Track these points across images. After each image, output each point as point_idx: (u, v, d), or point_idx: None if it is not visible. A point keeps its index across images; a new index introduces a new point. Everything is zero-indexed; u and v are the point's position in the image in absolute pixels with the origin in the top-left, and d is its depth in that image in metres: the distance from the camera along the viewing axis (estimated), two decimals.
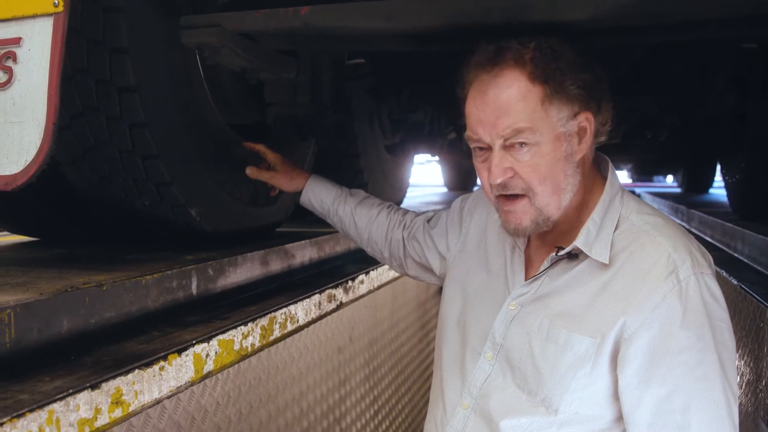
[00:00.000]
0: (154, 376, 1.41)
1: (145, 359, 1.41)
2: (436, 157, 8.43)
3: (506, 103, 1.40)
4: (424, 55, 2.66)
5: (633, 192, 1.63)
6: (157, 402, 1.43)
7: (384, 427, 3.74)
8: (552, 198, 1.44)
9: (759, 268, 2.84)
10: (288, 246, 2.46)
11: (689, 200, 6.79)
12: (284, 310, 2.01)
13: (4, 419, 1.05)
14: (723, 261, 3.13)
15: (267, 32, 1.97)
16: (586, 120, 1.45)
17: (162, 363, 1.43)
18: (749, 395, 2.15)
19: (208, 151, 2.23)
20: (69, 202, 2.34)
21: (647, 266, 1.38)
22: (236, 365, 2.00)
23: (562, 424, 1.42)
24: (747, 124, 3.86)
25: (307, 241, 2.63)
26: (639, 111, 3.84)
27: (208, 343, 1.61)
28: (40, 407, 1.12)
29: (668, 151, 6.51)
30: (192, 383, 1.55)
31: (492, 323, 1.57)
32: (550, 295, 1.50)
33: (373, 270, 2.82)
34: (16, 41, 1.42)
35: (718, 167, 6.47)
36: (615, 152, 6.39)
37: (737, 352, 2.23)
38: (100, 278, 1.61)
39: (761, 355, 2.02)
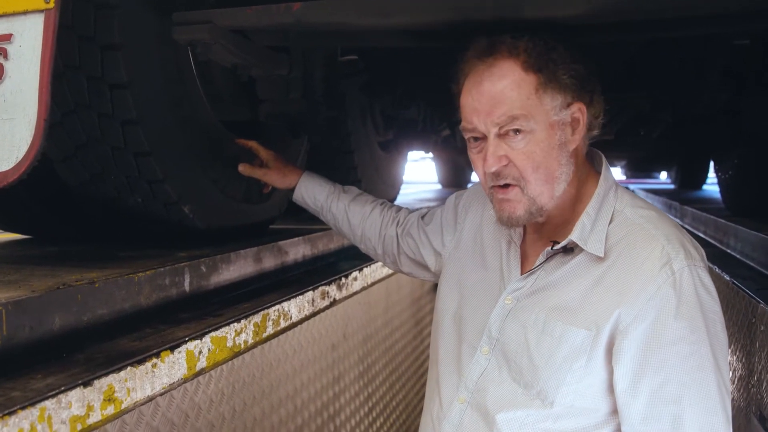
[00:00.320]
0: (147, 373, 1.41)
1: (137, 356, 1.40)
2: (430, 154, 8.43)
3: (501, 92, 1.42)
4: (418, 52, 2.66)
5: (627, 188, 1.64)
6: (150, 399, 1.43)
7: (378, 423, 3.74)
8: (545, 187, 1.46)
9: (751, 263, 2.85)
10: (281, 243, 2.45)
11: (683, 196, 6.81)
12: (277, 307, 2.01)
13: None
14: (716, 257, 3.14)
15: (259, 28, 1.97)
16: (579, 111, 1.47)
17: (154, 360, 1.43)
18: (741, 390, 2.15)
19: (201, 148, 2.22)
20: (61, 200, 2.33)
21: (641, 259, 1.40)
22: (230, 362, 2.00)
23: (558, 417, 1.43)
24: (740, 121, 3.87)
25: (301, 238, 2.62)
26: (633, 107, 3.85)
27: (201, 340, 1.61)
28: (32, 404, 1.11)
29: (662, 148, 6.53)
30: (185, 380, 1.55)
31: (488, 318, 1.57)
32: (545, 289, 1.51)
33: (366, 267, 2.83)
34: (7, 38, 1.41)
35: (712, 164, 6.49)
36: (609, 149, 6.40)
37: (729, 347, 2.24)
38: (92, 275, 1.61)
39: (753, 351, 2.02)
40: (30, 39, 1.39)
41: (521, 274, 1.58)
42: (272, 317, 1.97)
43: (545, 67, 1.42)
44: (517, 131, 1.42)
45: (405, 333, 4.32)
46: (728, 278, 2.41)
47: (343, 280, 2.56)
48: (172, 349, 1.50)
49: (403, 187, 5.20)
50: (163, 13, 1.93)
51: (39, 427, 1.12)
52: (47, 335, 1.39)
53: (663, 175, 13.97)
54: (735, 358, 2.24)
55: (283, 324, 2.05)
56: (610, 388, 1.41)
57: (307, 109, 2.60)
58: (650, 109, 3.95)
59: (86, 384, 1.24)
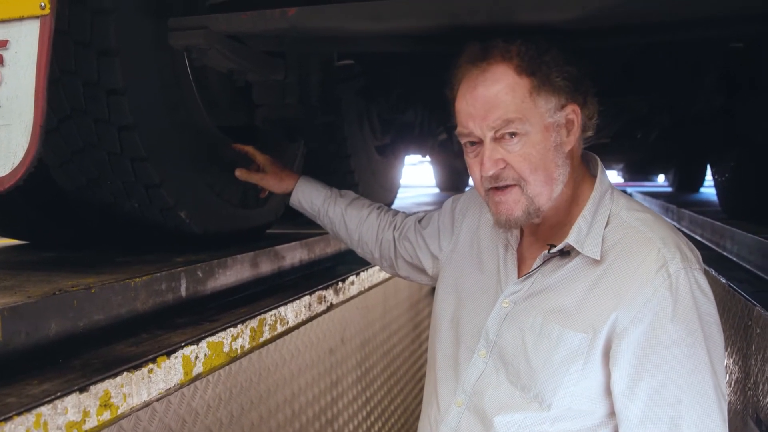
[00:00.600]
0: (143, 378, 1.41)
1: (133, 362, 1.40)
2: (428, 158, 8.43)
3: (495, 97, 1.43)
4: (414, 56, 2.67)
5: (624, 191, 1.64)
6: (147, 404, 1.43)
7: (377, 427, 3.74)
8: (544, 188, 1.46)
9: (748, 266, 2.86)
10: (278, 247, 2.45)
11: (680, 199, 6.82)
12: (274, 311, 2.01)
13: None
14: (712, 259, 3.14)
15: (254, 34, 1.97)
16: (573, 112, 1.48)
17: (151, 365, 1.43)
18: (738, 393, 2.15)
19: (198, 153, 2.23)
20: (58, 205, 2.33)
21: (638, 262, 1.40)
22: (227, 367, 2.00)
23: (555, 419, 1.44)
24: (736, 124, 3.87)
25: (297, 242, 2.62)
26: (629, 110, 3.85)
27: (198, 345, 1.61)
28: (28, 410, 1.11)
29: (659, 151, 6.54)
30: (181, 385, 1.55)
31: (485, 321, 1.58)
32: (543, 292, 1.52)
33: (363, 271, 2.82)
34: (3, 44, 1.41)
35: (709, 167, 6.49)
36: (606, 152, 6.41)
37: (726, 350, 2.25)
38: (88, 281, 1.61)
39: (749, 353, 2.03)
40: (26, 45, 1.39)
41: (518, 277, 1.58)
42: (269, 322, 1.97)
43: (538, 70, 1.43)
44: (512, 134, 1.43)
45: (403, 337, 4.32)
46: (724, 281, 2.42)
47: (340, 284, 2.56)
48: (168, 354, 1.50)
49: (400, 191, 5.20)
50: (159, 19, 1.94)
51: None
52: (43, 341, 1.39)
53: (661, 178, 13.98)
54: (731, 360, 2.24)
55: (279, 329, 2.05)
56: (607, 391, 1.41)
57: (304, 114, 2.60)
58: (647, 112, 3.96)
59: (82, 390, 1.23)
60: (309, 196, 2.12)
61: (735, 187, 4.35)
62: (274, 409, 2.44)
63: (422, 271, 1.94)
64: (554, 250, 1.50)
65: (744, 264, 2.93)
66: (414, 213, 2.03)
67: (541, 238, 1.58)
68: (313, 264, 2.77)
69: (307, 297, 2.25)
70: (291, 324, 2.13)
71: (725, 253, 3.33)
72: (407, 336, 4.43)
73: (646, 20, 1.72)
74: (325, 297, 2.40)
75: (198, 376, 1.62)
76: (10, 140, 1.38)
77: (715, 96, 3.53)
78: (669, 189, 10.80)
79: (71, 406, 1.20)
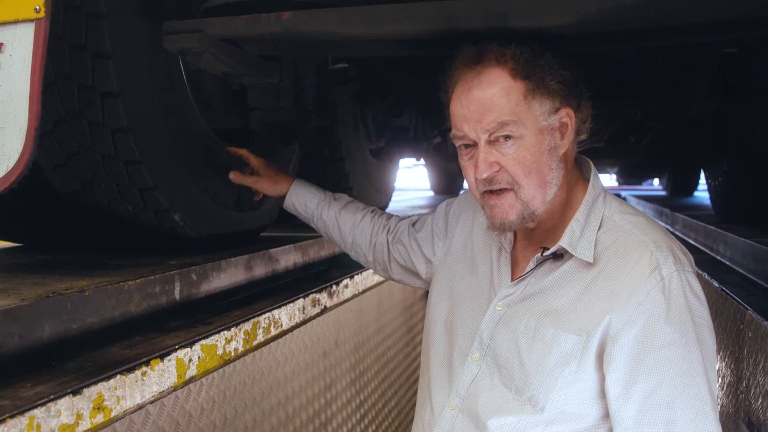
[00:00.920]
0: (137, 381, 1.41)
1: (127, 364, 1.40)
2: (423, 161, 8.44)
3: (490, 100, 1.44)
4: (408, 60, 2.67)
5: (618, 195, 1.65)
6: (140, 407, 1.43)
7: (371, 431, 3.73)
8: (538, 191, 1.47)
9: (740, 270, 2.87)
10: (272, 250, 2.46)
11: (673, 203, 6.83)
12: (268, 314, 2.01)
13: None
14: (705, 263, 3.15)
15: (249, 38, 1.97)
16: (567, 116, 1.49)
17: (144, 368, 1.43)
18: (730, 397, 2.16)
19: (192, 156, 2.23)
20: (52, 208, 2.33)
21: (631, 264, 1.41)
22: (221, 370, 2.00)
23: (549, 422, 1.44)
24: (728, 128, 3.89)
25: (292, 245, 2.63)
26: (622, 114, 3.87)
27: (191, 348, 1.61)
28: (21, 413, 1.11)
29: (653, 155, 6.56)
30: (175, 388, 1.55)
31: (479, 324, 1.58)
32: (536, 295, 1.52)
33: (357, 274, 2.83)
34: None
35: (702, 171, 6.51)
36: (601, 156, 6.43)
37: (718, 353, 2.26)
38: (82, 284, 1.61)
39: (741, 357, 2.03)
40: (21, 48, 1.39)
41: (512, 280, 1.59)
42: (263, 325, 1.97)
43: (533, 73, 1.44)
44: (507, 137, 1.44)
45: (397, 340, 4.32)
46: (717, 285, 2.43)
47: (334, 287, 2.57)
48: (162, 357, 1.50)
49: (395, 194, 5.20)
50: (154, 22, 1.94)
51: None
52: (37, 343, 1.39)
53: (656, 182, 14.01)
54: (724, 364, 2.25)
55: (273, 332, 2.05)
56: (601, 394, 1.42)
57: (298, 117, 2.60)
58: (640, 117, 3.98)
59: (75, 392, 1.23)
60: (303, 199, 2.13)
61: (728, 191, 4.37)
62: (267, 412, 2.44)
63: (416, 274, 1.94)
64: (547, 253, 1.51)
65: (737, 268, 2.94)
66: (408, 216, 2.04)
67: (535, 241, 1.59)
68: (307, 267, 2.77)
69: (301, 300, 2.25)
70: (285, 327, 2.13)
71: (718, 257, 3.34)
72: (401, 339, 4.43)
73: (640, 25, 1.73)
74: (319, 300, 2.40)
75: (191, 379, 1.62)
76: (5, 143, 1.38)
77: (708, 101, 3.55)
78: (663, 193, 10.83)
79: (64, 409, 1.20)
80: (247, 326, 1.89)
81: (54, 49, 1.71)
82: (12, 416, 1.10)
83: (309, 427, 2.85)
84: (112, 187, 2.06)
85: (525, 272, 1.56)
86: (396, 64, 3.06)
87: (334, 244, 2.20)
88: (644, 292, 1.37)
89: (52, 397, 1.19)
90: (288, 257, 2.59)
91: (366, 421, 3.65)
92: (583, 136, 1.55)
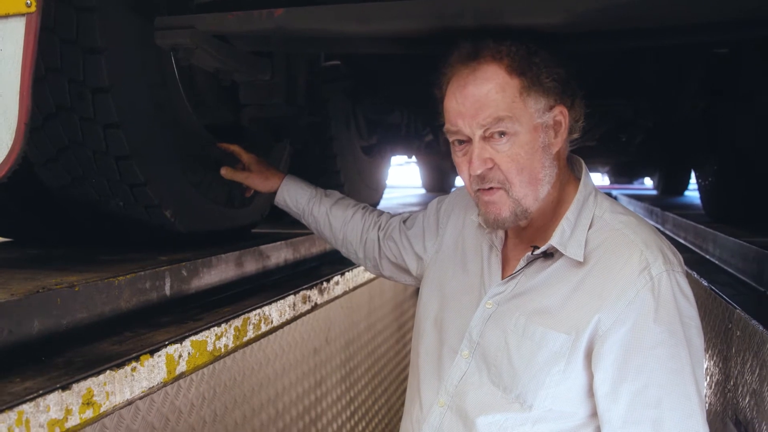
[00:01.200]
0: (126, 376, 1.40)
1: (116, 360, 1.40)
2: (414, 159, 8.44)
3: (486, 96, 1.44)
4: (401, 57, 2.67)
5: (609, 194, 1.66)
6: (129, 403, 1.43)
7: (360, 428, 3.74)
8: (529, 189, 1.47)
9: (729, 269, 2.88)
10: (263, 247, 2.46)
11: (664, 202, 6.85)
12: (258, 311, 2.01)
13: None
14: (694, 262, 3.16)
15: (241, 34, 1.97)
16: (561, 113, 1.49)
17: (134, 364, 1.43)
18: (718, 395, 2.17)
19: (183, 152, 2.22)
20: (43, 203, 2.32)
21: (620, 264, 1.42)
22: (211, 366, 2.00)
23: (537, 420, 1.44)
24: (718, 128, 3.91)
25: (283, 242, 2.63)
26: (613, 114, 3.88)
27: (181, 344, 1.61)
28: (10, 408, 1.11)
29: (644, 154, 6.58)
30: (164, 384, 1.55)
31: (469, 322, 1.59)
32: (526, 294, 1.53)
33: (348, 271, 2.83)
34: None
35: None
36: (592, 155, 6.45)
37: (707, 352, 2.27)
38: (72, 279, 1.61)
39: (729, 356, 2.05)
40: (11, 43, 1.39)
41: (502, 278, 1.59)
42: (253, 321, 1.97)
43: (529, 70, 1.44)
44: (501, 134, 1.44)
45: (387, 337, 4.33)
46: (706, 284, 2.44)
47: (325, 284, 2.57)
48: (151, 353, 1.50)
49: (386, 191, 5.21)
50: (146, 17, 1.93)
51: (17, 431, 1.12)
52: (26, 339, 1.39)
53: (648, 182, 14.05)
54: (712, 363, 2.26)
55: (263, 328, 2.05)
56: (589, 392, 1.42)
57: (290, 114, 2.60)
58: (631, 116, 3.99)
59: (65, 388, 1.23)
60: (294, 196, 2.13)
61: (718, 190, 4.38)
62: (257, 408, 2.44)
63: (406, 271, 1.95)
64: (538, 251, 1.51)
65: (726, 267, 2.96)
66: (399, 213, 2.04)
67: (526, 240, 1.59)
68: (298, 264, 2.77)
69: (292, 296, 2.25)
70: (275, 323, 2.13)
71: (707, 256, 3.35)
72: (392, 336, 4.44)
73: (631, 25, 1.73)
74: (309, 297, 2.40)
75: (181, 375, 1.62)
76: None
77: (698, 100, 3.56)
78: (654, 192, 10.86)
79: (53, 404, 1.20)
80: (238, 322, 1.89)
81: (45, 43, 1.71)
82: (0, 411, 1.09)
83: (299, 424, 2.85)
84: (102, 182, 2.05)
85: (515, 270, 1.56)
86: (389, 62, 3.06)
87: (325, 241, 2.20)
88: (634, 292, 1.38)
89: (41, 392, 1.18)
90: (279, 254, 2.58)
91: (356, 418, 3.65)
92: (576, 135, 1.56)
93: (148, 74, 2.04)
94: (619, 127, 4.50)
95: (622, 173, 11.63)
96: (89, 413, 1.29)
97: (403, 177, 13.18)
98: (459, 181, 1.58)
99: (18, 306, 1.37)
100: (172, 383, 1.60)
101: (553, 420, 1.44)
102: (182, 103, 2.23)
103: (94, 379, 1.31)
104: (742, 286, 2.51)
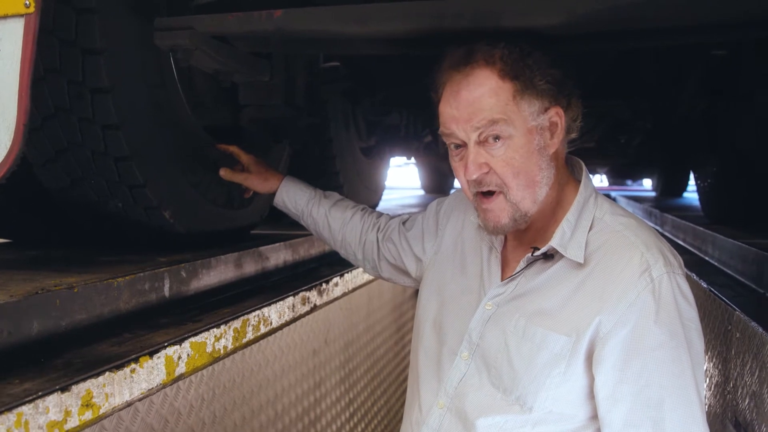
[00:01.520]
0: (125, 378, 1.40)
1: (116, 362, 1.40)
2: (413, 160, 8.44)
3: (479, 100, 1.44)
4: (400, 58, 2.67)
5: (608, 195, 1.66)
6: (129, 404, 1.42)
7: (360, 429, 3.73)
8: (527, 192, 1.47)
9: (728, 271, 2.88)
10: (262, 248, 2.45)
11: (663, 204, 6.86)
12: (257, 312, 2.01)
13: None
14: (694, 264, 3.16)
15: (240, 35, 1.97)
16: (557, 115, 1.49)
17: (133, 365, 1.43)
18: (717, 397, 2.17)
19: (182, 152, 2.22)
20: (42, 204, 2.32)
21: (621, 266, 1.41)
22: (210, 367, 2.00)
23: (537, 422, 1.44)
24: (717, 129, 3.91)
25: (282, 243, 2.62)
26: (612, 114, 3.88)
27: (180, 345, 1.61)
28: (9, 410, 1.11)
29: (643, 155, 6.59)
30: (164, 385, 1.55)
31: (468, 323, 1.58)
32: (526, 295, 1.52)
33: (347, 273, 2.83)
34: None
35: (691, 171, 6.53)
36: (590, 156, 6.45)
37: (706, 354, 2.27)
38: (71, 280, 1.60)
39: (729, 357, 2.04)
40: (10, 43, 1.39)
41: (502, 280, 1.59)
42: (252, 323, 1.97)
43: (522, 74, 1.44)
44: (496, 138, 1.44)
45: (386, 339, 4.32)
46: (705, 286, 2.44)
47: (324, 285, 2.57)
48: (151, 354, 1.49)
49: (385, 192, 5.21)
50: (145, 18, 1.93)
51: None
52: (25, 340, 1.39)
53: (647, 183, 14.06)
54: (711, 364, 2.26)
55: (263, 329, 2.04)
56: (590, 394, 1.42)
57: (289, 115, 2.60)
58: (630, 117, 3.99)
59: (64, 389, 1.23)
60: (293, 197, 2.13)
61: (717, 192, 4.39)
62: (257, 410, 2.44)
63: (405, 273, 1.94)
64: (538, 253, 1.50)
65: (725, 269, 2.96)
66: (398, 215, 2.04)
67: (525, 241, 1.58)
68: (297, 265, 2.77)
69: (291, 298, 2.25)
70: (274, 325, 2.13)
71: (707, 258, 3.35)
72: (391, 338, 4.44)
73: (631, 26, 1.73)
74: (308, 298, 2.40)
75: (181, 376, 1.62)
76: None
77: (697, 101, 3.56)
78: (653, 193, 10.87)
79: (53, 406, 1.20)
80: (237, 324, 1.88)
81: (44, 44, 1.71)
82: (0, 413, 1.09)
83: (298, 425, 2.85)
84: (101, 183, 2.05)
85: (515, 272, 1.55)
86: (388, 63, 3.06)
87: (324, 242, 2.20)
88: (634, 294, 1.37)
89: (40, 393, 1.18)
90: (278, 255, 2.58)
91: (355, 420, 3.65)
92: (574, 135, 1.55)
93: (148, 75, 2.04)
94: (617, 127, 4.51)
95: (621, 174, 11.64)
96: (88, 415, 1.29)
97: (402, 178, 13.18)
98: (458, 183, 1.58)
99: (17, 307, 1.37)
100: (171, 385, 1.60)
101: (554, 422, 1.44)
102: (181, 104, 2.23)
103: (93, 380, 1.31)
104: (741, 288, 2.51)
